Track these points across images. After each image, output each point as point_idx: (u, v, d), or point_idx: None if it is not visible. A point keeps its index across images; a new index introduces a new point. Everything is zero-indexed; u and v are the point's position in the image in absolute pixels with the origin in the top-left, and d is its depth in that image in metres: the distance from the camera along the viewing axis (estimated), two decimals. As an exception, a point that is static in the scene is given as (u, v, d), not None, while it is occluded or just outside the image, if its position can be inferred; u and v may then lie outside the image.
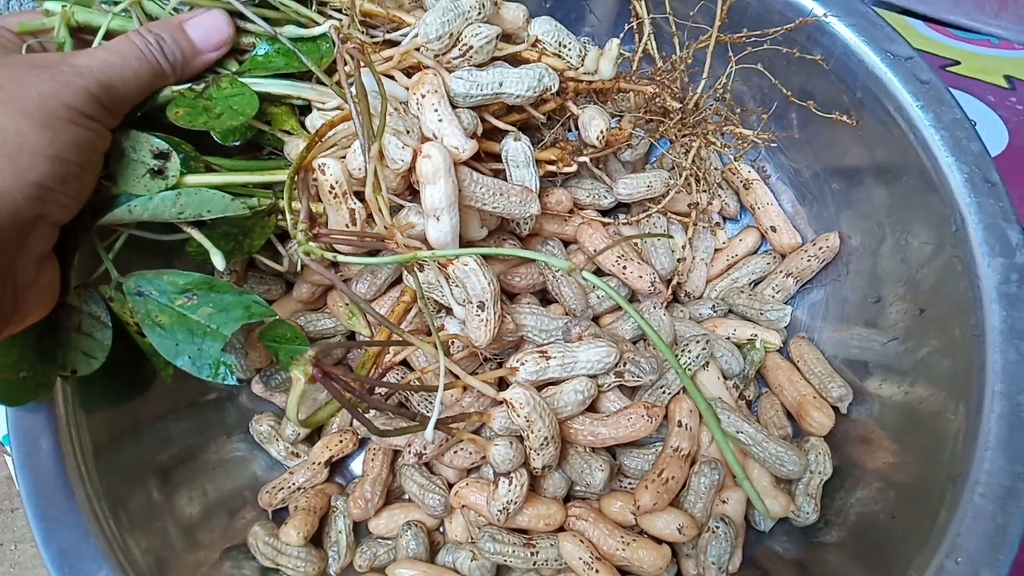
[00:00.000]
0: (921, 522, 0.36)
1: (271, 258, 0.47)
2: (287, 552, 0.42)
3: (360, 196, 0.39)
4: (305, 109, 0.41)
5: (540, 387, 0.41)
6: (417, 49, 0.40)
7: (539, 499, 0.42)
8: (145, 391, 0.42)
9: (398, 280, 0.47)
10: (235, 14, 0.39)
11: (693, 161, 0.48)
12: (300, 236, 0.35)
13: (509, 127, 0.43)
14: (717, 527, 0.40)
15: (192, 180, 0.36)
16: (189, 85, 0.38)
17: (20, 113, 0.30)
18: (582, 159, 0.46)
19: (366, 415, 0.39)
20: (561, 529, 0.42)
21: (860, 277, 0.46)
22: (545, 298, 0.48)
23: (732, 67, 0.46)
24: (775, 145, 0.50)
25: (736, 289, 0.49)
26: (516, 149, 0.42)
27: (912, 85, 0.42)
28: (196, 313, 0.34)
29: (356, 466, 0.48)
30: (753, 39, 0.46)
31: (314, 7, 0.41)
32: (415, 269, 0.39)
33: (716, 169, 0.50)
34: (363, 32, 0.40)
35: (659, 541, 0.40)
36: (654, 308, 0.45)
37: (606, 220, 0.48)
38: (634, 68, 0.49)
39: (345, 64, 0.36)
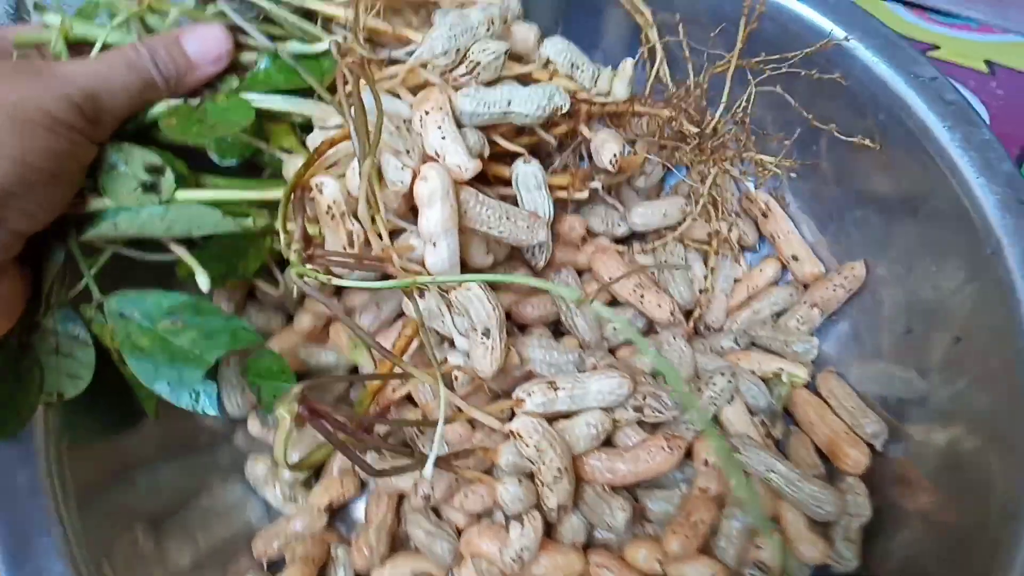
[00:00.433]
0: (976, 564, 0.33)
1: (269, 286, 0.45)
2: (283, 606, 0.39)
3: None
4: (306, 127, 0.39)
5: (550, 421, 0.38)
6: (423, 66, 0.38)
7: (556, 547, 0.39)
8: (133, 428, 0.39)
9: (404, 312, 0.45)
10: (236, 29, 0.38)
11: (711, 189, 0.46)
12: (293, 257, 0.33)
13: (519, 149, 0.41)
14: (752, 575, 0.37)
15: (183, 196, 0.34)
16: (184, 99, 0.36)
17: None
18: (594, 185, 0.45)
19: (362, 455, 0.36)
20: (581, 580, 0.39)
21: (888, 307, 0.44)
22: (558, 330, 0.45)
23: (752, 90, 0.45)
24: (794, 175, 0.48)
25: (758, 321, 0.46)
26: (527, 172, 0.41)
27: (938, 106, 0.41)
28: (179, 338, 0.32)
29: (358, 512, 0.45)
30: (772, 63, 0.45)
31: (319, 24, 0.40)
32: (415, 296, 0.36)
33: (733, 195, 0.49)
34: (367, 49, 0.39)
35: (689, 592, 0.37)
36: (674, 339, 0.42)
37: (621, 248, 0.46)
38: (648, 92, 0.47)
39: (345, 81, 0.34)
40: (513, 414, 0.37)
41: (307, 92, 0.39)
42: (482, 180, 0.42)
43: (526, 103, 0.39)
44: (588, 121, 0.44)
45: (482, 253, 0.41)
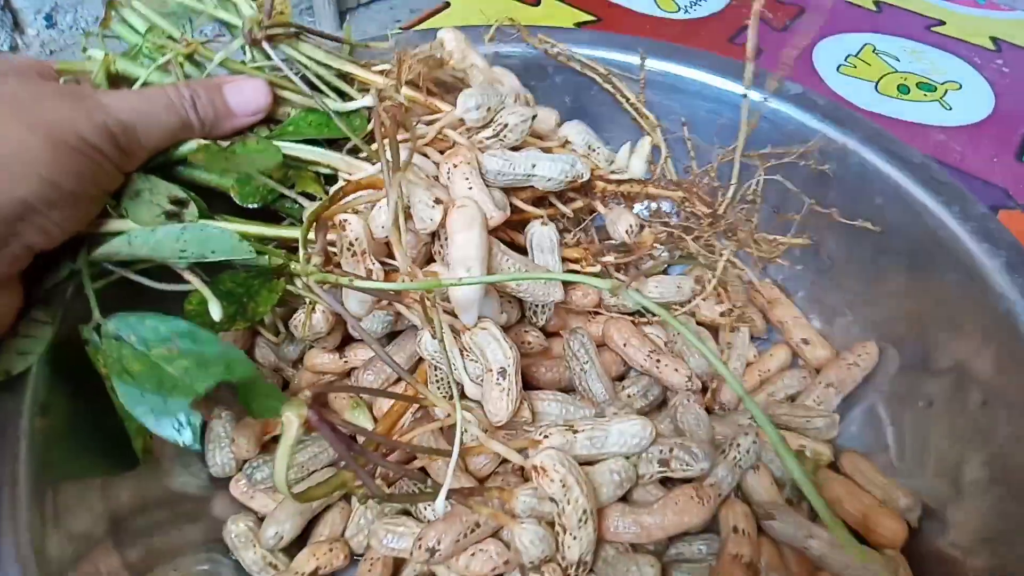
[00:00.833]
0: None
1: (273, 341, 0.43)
2: None
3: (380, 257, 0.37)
4: (331, 179, 0.40)
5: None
6: (454, 128, 0.40)
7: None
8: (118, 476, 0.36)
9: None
10: (275, 84, 0.40)
11: (721, 272, 0.47)
12: (313, 268, 0.32)
13: (539, 212, 0.42)
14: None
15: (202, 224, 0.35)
16: (216, 140, 0.38)
17: (28, 127, 0.29)
18: (606, 260, 0.45)
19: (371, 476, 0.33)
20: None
21: (905, 383, 0.44)
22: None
23: (760, 176, 0.47)
24: (805, 263, 0.50)
25: (775, 402, 0.45)
26: (543, 234, 0.42)
27: (931, 185, 0.43)
28: (172, 365, 0.30)
29: (345, 588, 0.39)
30: (771, 157, 0.48)
31: (356, 87, 0.42)
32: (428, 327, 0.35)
33: (740, 285, 0.49)
34: (405, 99, 0.41)
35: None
36: (689, 401, 0.41)
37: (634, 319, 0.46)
38: (655, 176, 0.50)
39: (382, 124, 0.36)
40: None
41: (334, 144, 0.41)
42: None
43: (550, 167, 0.40)
44: (603, 198, 0.46)
45: (496, 312, 0.41)
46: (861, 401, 0.46)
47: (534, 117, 0.41)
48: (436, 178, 0.39)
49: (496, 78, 0.44)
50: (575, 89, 0.52)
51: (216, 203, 0.38)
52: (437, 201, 0.35)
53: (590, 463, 0.36)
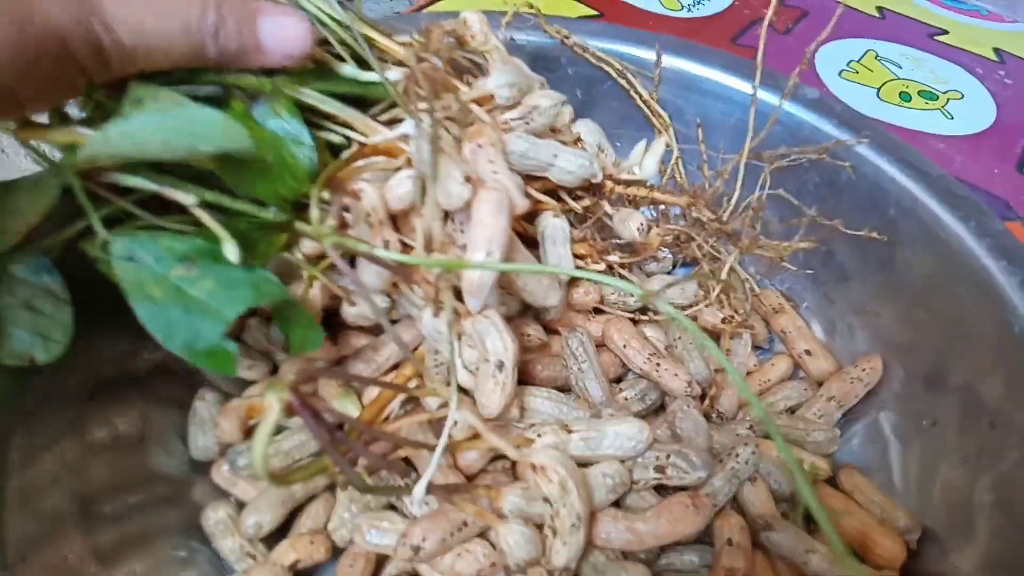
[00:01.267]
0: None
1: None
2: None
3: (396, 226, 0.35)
4: (337, 150, 0.39)
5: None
6: (480, 103, 0.39)
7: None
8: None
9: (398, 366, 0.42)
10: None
11: (725, 278, 0.46)
12: (327, 230, 0.31)
13: (552, 203, 0.41)
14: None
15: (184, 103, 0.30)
16: None
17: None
18: (612, 259, 0.44)
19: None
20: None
21: (909, 401, 0.42)
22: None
23: (766, 176, 0.46)
24: (811, 273, 0.49)
25: (773, 413, 0.44)
26: (555, 226, 0.40)
27: (948, 199, 0.42)
28: (195, 287, 0.28)
29: (324, 583, 0.38)
30: (785, 159, 0.47)
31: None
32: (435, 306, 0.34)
33: (744, 294, 0.48)
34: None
35: None
36: (688, 407, 0.40)
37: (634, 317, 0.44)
38: (664, 183, 0.49)
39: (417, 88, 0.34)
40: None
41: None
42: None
43: (571, 160, 0.39)
44: (610, 198, 0.45)
45: (496, 302, 0.39)
46: (863, 416, 0.44)
47: (564, 103, 0.40)
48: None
49: (515, 64, 0.43)
50: (587, 83, 0.51)
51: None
52: (468, 179, 0.34)
53: (583, 465, 0.35)
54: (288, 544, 0.36)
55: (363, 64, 0.39)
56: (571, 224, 0.45)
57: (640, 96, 0.50)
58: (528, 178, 0.40)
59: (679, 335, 0.44)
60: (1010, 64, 0.66)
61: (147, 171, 0.30)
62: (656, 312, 0.45)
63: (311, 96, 0.36)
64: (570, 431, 0.35)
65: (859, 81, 0.70)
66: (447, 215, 0.37)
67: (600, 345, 0.44)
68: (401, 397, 0.39)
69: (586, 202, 0.44)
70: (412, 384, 0.39)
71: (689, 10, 0.78)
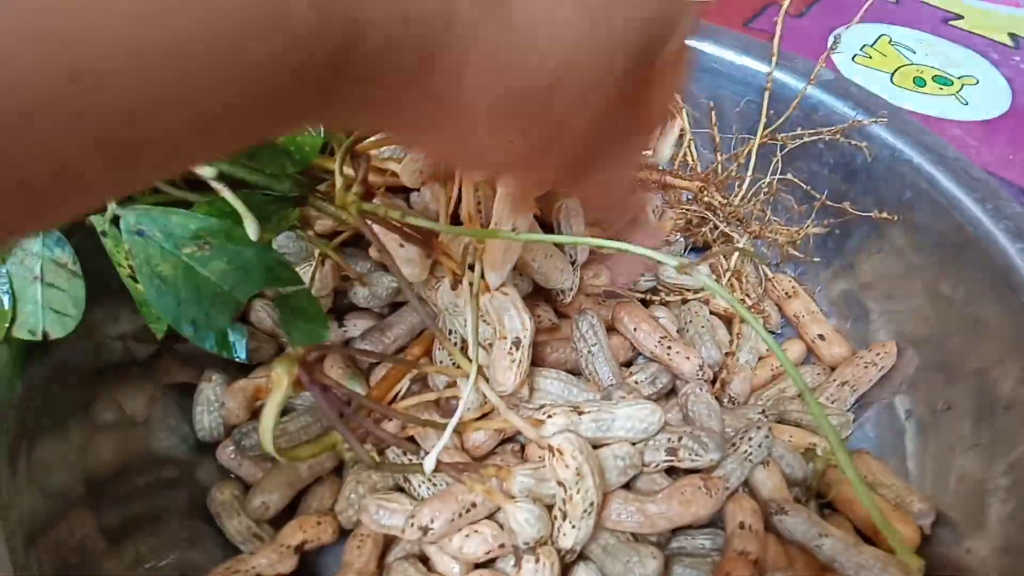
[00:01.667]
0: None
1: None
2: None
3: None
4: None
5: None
6: None
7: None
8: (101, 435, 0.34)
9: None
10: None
11: (736, 263, 0.46)
12: (352, 197, 0.30)
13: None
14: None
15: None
16: None
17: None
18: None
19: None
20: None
21: (923, 385, 0.42)
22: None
23: (778, 161, 0.45)
24: (812, 256, 0.48)
25: (786, 398, 0.43)
26: (570, 206, 0.40)
27: (965, 181, 0.41)
28: (207, 267, 0.28)
29: (330, 564, 0.38)
30: (799, 138, 0.46)
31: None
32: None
33: (756, 279, 0.48)
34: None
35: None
36: (700, 390, 0.39)
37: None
38: (676, 167, 0.48)
39: None
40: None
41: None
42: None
43: None
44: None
45: (511, 283, 0.39)
46: (877, 402, 0.44)
47: None
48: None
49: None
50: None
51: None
52: None
53: (594, 447, 0.34)
54: (295, 524, 0.36)
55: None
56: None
57: (652, 77, 0.49)
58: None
59: (690, 319, 0.43)
60: (1025, 49, 0.66)
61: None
62: (667, 294, 0.44)
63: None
64: (581, 412, 0.34)
65: (873, 66, 0.69)
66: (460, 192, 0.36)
67: (610, 328, 0.43)
68: (409, 378, 0.39)
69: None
70: (422, 363, 0.38)
71: (702, -7, 0.77)
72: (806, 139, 0.46)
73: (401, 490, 0.37)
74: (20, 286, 0.28)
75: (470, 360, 0.32)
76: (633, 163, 0.28)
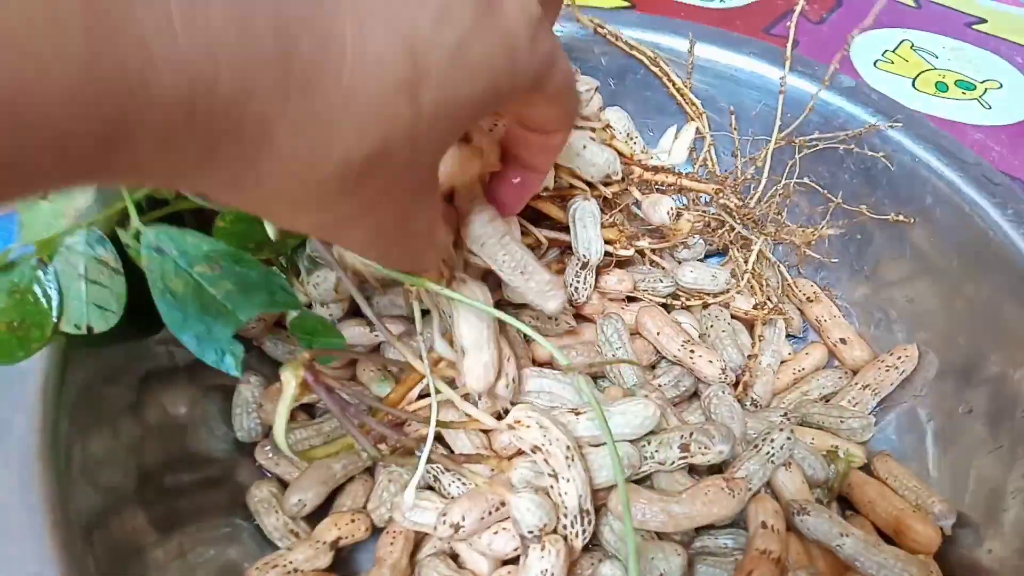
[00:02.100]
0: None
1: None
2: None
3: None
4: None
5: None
6: None
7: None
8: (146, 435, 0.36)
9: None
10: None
11: (755, 266, 0.46)
12: None
13: (583, 185, 0.41)
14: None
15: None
16: None
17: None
18: (641, 245, 0.45)
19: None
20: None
21: (944, 389, 0.42)
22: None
23: (796, 161, 0.46)
24: (834, 260, 0.49)
25: (808, 401, 0.44)
26: (585, 208, 0.41)
27: (986, 186, 0.42)
28: (215, 286, 0.30)
29: (364, 560, 0.39)
30: (818, 142, 0.47)
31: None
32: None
33: (777, 282, 0.48)
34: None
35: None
36: (723, 393, 0.40)
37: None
38: (695, 171, 0.49)
39: None
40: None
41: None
42: (531, 216, 0.42)
43: (598, 153, 0.40)
44: (639, 185, 0.45)
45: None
46: (898, 405, 0.44)
47: (597, 88, 0.41)
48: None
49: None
50: (620, 72, 0.51)
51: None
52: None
53: (596, 446, 0.35)
54: (330, 522, 0.37)
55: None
56: (601, 210, 0.45)
57: (673, 84, 0.50)
58: (554, 166, 0.41)
59: (711, 323, 0.44)
60: (1053, 54, 0.66)
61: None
62: (687, 299, 0.45)
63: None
64: (578, 413, 0.35)
65: (895, 71, 0.69)
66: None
67: (634, 333, 0.44)
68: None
69: (615, 188, 0.45)
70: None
71: (722, 0, 0.78)
72: (822, 144, 0.46)
73: (432, 489, 0.39)
74: (66, 283, 0.30)
75: (423, 361, 0.33)
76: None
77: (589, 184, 0.43)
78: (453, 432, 0.38)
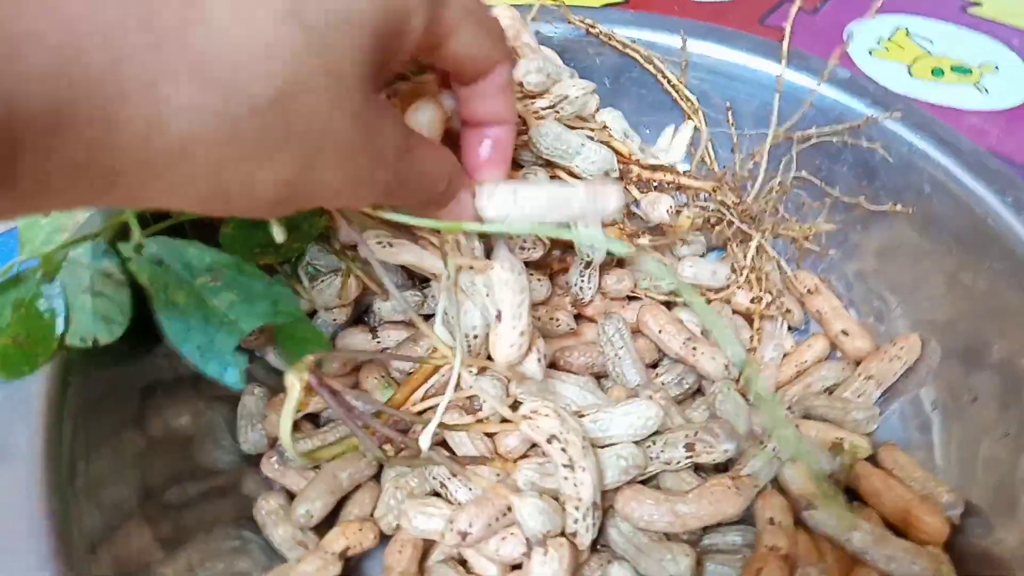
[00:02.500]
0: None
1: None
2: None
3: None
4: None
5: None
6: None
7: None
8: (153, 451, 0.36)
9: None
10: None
11: (754, 260, 0.46)
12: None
13: (579, 182, 0.41)
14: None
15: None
16: None
17: None
18: (641, 242, 0.45)
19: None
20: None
21: (948, 377, 0.42)
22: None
23: (793, 156, 0.46)
24: (833, 252, 0.49)
25: (812, 394, 0.44)
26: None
27: (985, 173, 0.42)
28: (217, 297, 0.30)
29: (373, 569, 0.39)
30: (815, 137, 0.46)
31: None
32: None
33: (777, 275, 0.48)
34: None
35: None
36: (728, 390, 0.40)
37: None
38: (693, 168, 0.49)
39: None
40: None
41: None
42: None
43: (596, 151, 0.40)
44: (637, 183, 0.45)
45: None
46: (902, 394, 0.44)
47: (594, 90, 0.41)
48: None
49: (544, 53, 0.43)
50: (615, 72, 0.51)
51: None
52: None
53: (601, 447, 0.36)
54: (338, 531, 0.37)
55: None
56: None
57: (668, 81, 0.50)
58: (552, 166, 0.41)
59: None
60: (1046, 36, 0.66)
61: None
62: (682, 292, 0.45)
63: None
64: (581, 415, 0.35)
65: (890, 59, 0.69)
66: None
67: (635, 331, 0.44)
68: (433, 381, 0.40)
69: (614, 188, 0.45)
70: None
71: (716, -8, 0.78)
72: (818, 138, 0.46)
73: (438, 495, 0.39)
74: (72, 296, 0.30)
75: (446, 344, 0.33)
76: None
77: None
78: (457, 436, 0.38)
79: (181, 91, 0.17)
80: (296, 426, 0.41)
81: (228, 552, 0.38)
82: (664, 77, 0.50)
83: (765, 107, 0.48)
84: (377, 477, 0.41)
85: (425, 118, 0.32)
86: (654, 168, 0.45)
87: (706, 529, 0.37)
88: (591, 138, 0.41)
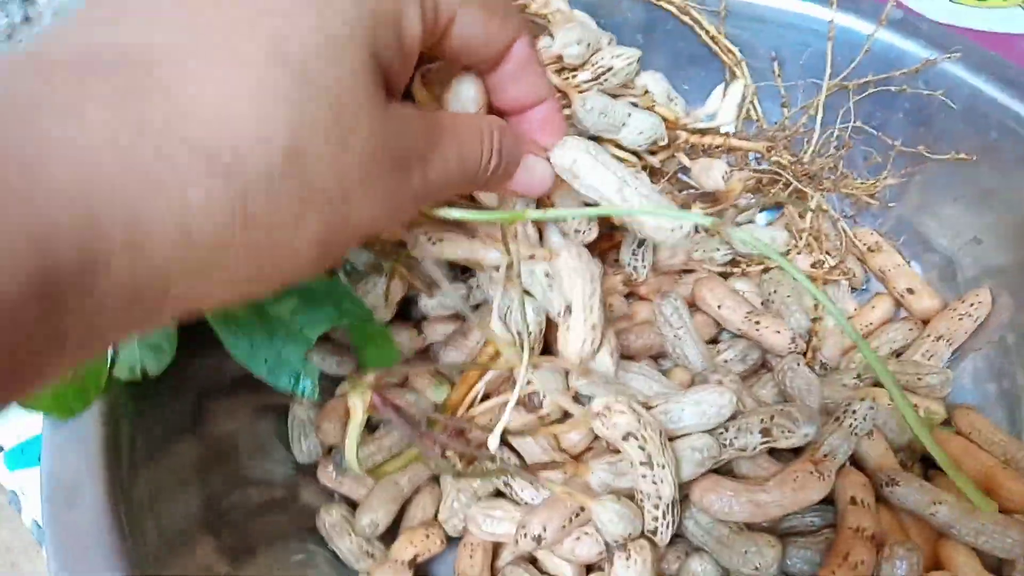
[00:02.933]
0: None
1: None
2: None
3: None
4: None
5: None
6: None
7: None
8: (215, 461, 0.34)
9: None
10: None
11: (812, 221, 0.44)
12: None
13: (629, 156, 0.39)
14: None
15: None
16: None
17: None
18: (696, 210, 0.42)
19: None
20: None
21: (1023, 329, 0.40)
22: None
23: (850, 107, 0.43)
24: (893, 205, 0.46)
25: (881, 358, 0.42)
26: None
27: (1058, 115, 0.39)
28: (277, 306, 0.28)
29: (441, 572, 0.38)
30: (871, 91, 0.44)
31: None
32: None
33: (836, 234, 0.46)
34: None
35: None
36: (798, 365, 0.38)
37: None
38: (739, 128, 0.46)
39: None
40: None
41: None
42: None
43: (643, 121, 0.37)
44: (685, 149, 0.43)
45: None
46: (972, 352, 0.42)
47: (640, 59, 0.38)
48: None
49: (579, 21, 0.40)
50: (647, 26, 0.48)
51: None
52: None
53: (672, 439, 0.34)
54: (405, 539, 0.36)
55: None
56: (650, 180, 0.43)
57: (707, 32, 0.47)
58: (599, 140, 0.39)
59: (774, 288, 0.42)
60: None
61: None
62: (748, 264, 0.43)
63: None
64: (649, 407, 0.34)
65: (931, -16, 0.65)
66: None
67: (690, 304, 0.42)
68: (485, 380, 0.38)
69: (662, 155, 0.43)
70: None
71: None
72: (876, 87, 0.43)
73: (502, 495, 0.37)
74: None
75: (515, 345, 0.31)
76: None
77: (636, 154, 0.40)
78: (519, 437, 0.37)
79: (194, 188, 0.16)
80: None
81: (295, 566, 0.37)
82: (703, 28, 0.47)
83: (813, 56, 0.45)
84: (436, 478, 0.39)
85: (466, 93, 0.29)
86: (703, 132, 0.42)
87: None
88: (635, 104, 0.39)
